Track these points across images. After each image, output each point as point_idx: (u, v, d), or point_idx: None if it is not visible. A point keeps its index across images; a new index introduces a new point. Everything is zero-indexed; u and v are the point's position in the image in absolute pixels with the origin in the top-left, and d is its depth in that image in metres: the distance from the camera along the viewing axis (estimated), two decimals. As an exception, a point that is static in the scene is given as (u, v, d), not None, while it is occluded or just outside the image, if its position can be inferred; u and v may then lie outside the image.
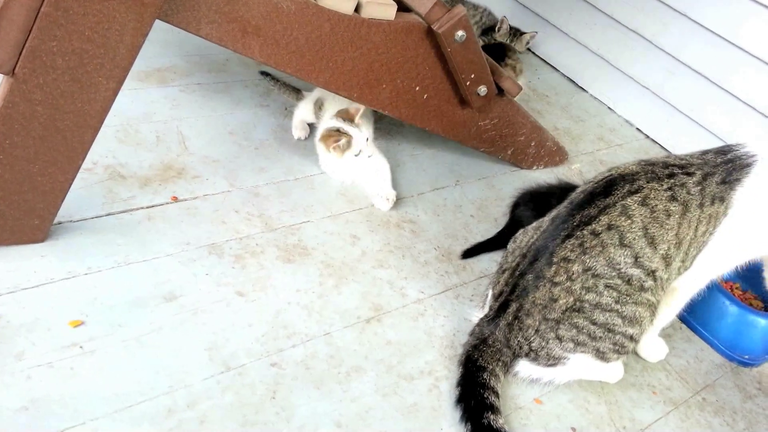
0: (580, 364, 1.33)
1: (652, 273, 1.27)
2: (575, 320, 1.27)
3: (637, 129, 2.55)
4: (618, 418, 1.39)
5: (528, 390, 1.39)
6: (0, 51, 1.12)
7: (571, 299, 1.27)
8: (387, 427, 1.24)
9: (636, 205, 1.28)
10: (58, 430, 1.09)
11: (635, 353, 1.53)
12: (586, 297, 1.26)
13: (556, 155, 2.16)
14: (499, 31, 2.73)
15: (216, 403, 1.20)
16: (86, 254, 1.40)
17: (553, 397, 1.39)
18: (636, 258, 1.26)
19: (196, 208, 1.60)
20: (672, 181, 1.31)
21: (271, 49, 1.44)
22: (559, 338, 1.29)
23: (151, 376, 1.21)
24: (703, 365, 1.58)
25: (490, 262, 1.69)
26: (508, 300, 1.34)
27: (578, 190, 1.39)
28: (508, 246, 1.46)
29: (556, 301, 1.28)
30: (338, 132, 1.70)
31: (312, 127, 1.97)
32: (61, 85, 1.20)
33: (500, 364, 1.34)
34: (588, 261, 1.26)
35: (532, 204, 1.75)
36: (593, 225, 1.28)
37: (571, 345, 1.29)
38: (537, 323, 1.30)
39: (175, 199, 1.60)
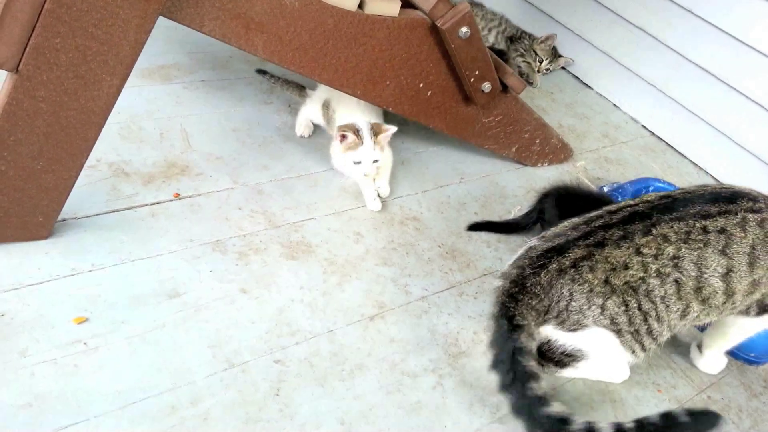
0: (598, 339, 1.28)
1: (731, 294, 1.27)
2: (627, 297, 1.24)
3: (643, 126, 2.54)
4: (622, 416, 1.38)
5: (532, 388, 1.38)
6: (3, 48, 1.12)
7: (639, 275, 1.24)
8: (390, 425, 1.24)
9: (754, 222, 1.27)
10: (61, 427, 1.09)
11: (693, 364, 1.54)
12: (650, 280, 1.24)
13: (560, 152, 2.15)
14: (542, 43, 2.68)
15: (219, 401, 1.20)
16: (90, 251, 1.40)
17: (558, 395, 1.39)
18: (729, 271, 1.25)
19: (199, 205, 1.60)
20: None
21: (275, 45, 1.43)
22: (603, 308, 1.24)
23: (154, 374, 1.21)
24: (708, 364, 1.57)
25: (495, 260, 1.69)
26: (573, 244, 1.27)
27: (699, 186, 1.38)
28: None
29: (627, 268, 1.24)
30: (355, 132, 1.64)
31: (319, 128, 1.95)
32: (64, 82, 1.20)
33: (533, 314, 1.27)
34: (683, 250, 1.24)
35: (562, 200, 1.69)
36: (707, 222, 1.27)
37: (607, 321, 1.25)
38: (595, 282, 1.24)
39: (177, 196, 1.60)
